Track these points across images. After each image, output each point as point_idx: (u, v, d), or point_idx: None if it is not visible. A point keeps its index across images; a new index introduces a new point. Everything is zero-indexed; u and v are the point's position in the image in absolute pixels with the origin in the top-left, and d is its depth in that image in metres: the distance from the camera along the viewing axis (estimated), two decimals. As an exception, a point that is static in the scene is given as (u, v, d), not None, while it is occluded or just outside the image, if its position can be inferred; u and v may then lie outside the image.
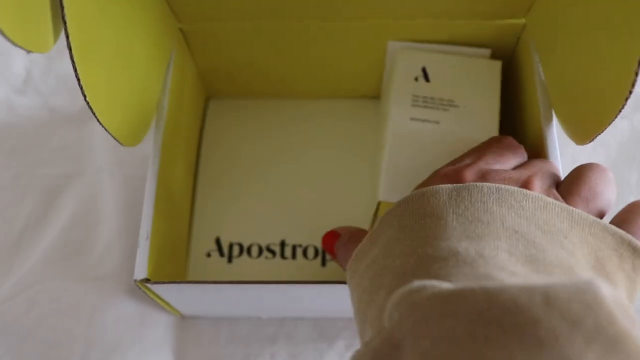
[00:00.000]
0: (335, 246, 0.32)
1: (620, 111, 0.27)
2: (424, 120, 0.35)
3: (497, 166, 0.29)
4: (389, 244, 0.25)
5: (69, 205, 0.43)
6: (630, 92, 0.26)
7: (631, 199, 0.29)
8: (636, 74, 0.25)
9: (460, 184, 0.26)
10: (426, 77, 0.36)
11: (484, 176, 0.28)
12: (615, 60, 0.27)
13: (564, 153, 0.41)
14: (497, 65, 0.37)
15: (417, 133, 0.35)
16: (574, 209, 0.25)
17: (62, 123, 0.46)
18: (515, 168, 0.29)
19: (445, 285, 0.20)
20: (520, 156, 0.31)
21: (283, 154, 0.42)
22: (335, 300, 0.35)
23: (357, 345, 0.38)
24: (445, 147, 0.34)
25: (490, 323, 0.18)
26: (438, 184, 0.26)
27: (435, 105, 0.35)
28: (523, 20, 0.37)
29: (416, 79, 0.36)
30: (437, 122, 0.35)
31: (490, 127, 0.35)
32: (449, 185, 0.26)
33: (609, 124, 0.28)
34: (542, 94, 0.34)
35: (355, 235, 0.31)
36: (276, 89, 0.44)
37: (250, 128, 0.44)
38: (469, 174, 0.28)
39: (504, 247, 0.22)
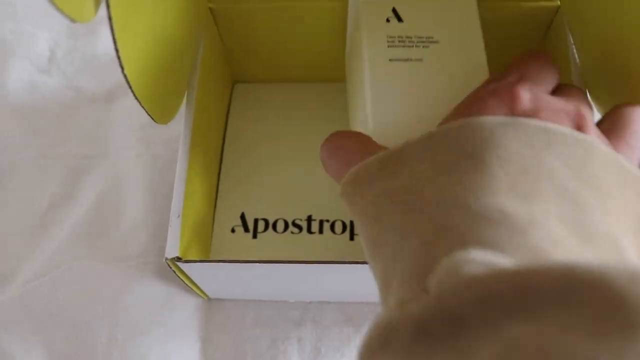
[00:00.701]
0: (322, 146, 0.28)
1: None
2: (405, 60, 0.31)
3: (541, 90, 0.25)
4: (417, 180, 0.22)
5: (93, 186, 0.42)
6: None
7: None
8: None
9: (505, 118, 0.22)
10: (398, 17, 0.32)
11: (536, 105, 0.23)
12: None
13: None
14: None
15: (399, 74, 0.31)
16: (625, 162, 0.22)
17: (87, 103, 0.46)
18: (554, 95, 0.25)
19: (506, 261, 0.18)
20: (557, 78, 0.27)
21: (309, 134, 0.42)
22: (363, 283, 0.34)
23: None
24: (434, 87, 0.30)
25: (574, 306, 0.15)
26: (486, 105, 0.22)
27: (413, 43, 0.32)
28: (557, 3, 0.36)
29: (388, 20, 0.32)
30: (420, 60, 0.31)
31: (477, 59, 0.31)
32: (492, 118, 0.22)
33: None
34: (577, 76, 0.33)
35: (352, 139, 0.27)
36: (303, 72, 0.43)
37: (276, 110, 0.43)
38: (525, 95, 0.23)
39: (553, 211, 0.20)
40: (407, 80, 0.30)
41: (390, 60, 0.31)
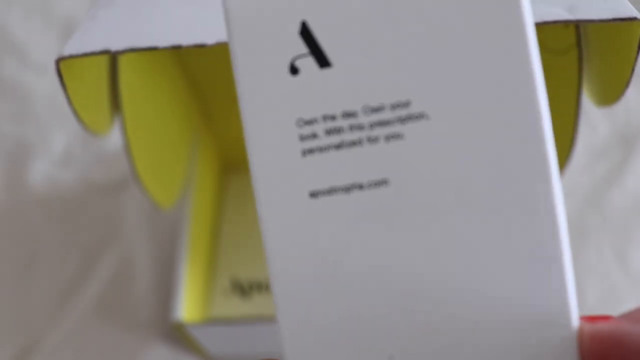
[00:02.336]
0: None
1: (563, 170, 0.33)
2: (346, 189, 0.16)
3: None
4: None
5: (107, 264, 0.49)
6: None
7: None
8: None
9: None
10: (319, 55, 0.16)
11: None
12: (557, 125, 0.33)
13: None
14: None
15: (332, 228, 0.16)
16: None
17: (100, 193, 0.53)
18: None
19: None
20: None
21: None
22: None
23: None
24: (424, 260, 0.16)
25: None
26: None
27: (361, 130, 0.16)
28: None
29: (293, 69, 0.16)
30: (384, 183, 0.16)
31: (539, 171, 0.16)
32: None
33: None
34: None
35: None
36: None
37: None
38: None
39: None
40: (354, 248, 0.16)
41: (312, 195, 0.16)
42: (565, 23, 0.24)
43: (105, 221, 0.51)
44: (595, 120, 0.52)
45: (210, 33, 0.24)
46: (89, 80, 0.29)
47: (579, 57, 0.30)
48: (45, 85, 0.58)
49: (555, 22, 0.24)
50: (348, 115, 0.15)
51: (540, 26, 0.34)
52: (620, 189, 0.48)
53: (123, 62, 0.31)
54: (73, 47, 0.25)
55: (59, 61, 0.25)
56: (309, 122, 0.16)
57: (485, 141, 0.15)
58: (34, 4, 0.63)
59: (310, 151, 0.16)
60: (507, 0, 0.15)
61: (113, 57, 0.31)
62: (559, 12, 0.25)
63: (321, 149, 0.16)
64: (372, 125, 0.15)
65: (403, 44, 0.15)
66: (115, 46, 0.25)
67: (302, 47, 0.15)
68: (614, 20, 0.24)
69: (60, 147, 0.55)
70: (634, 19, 0.24)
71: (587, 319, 0.16)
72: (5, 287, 0.49)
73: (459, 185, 0.15)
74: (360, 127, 0.15)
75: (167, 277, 0.48)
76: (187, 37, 0.24)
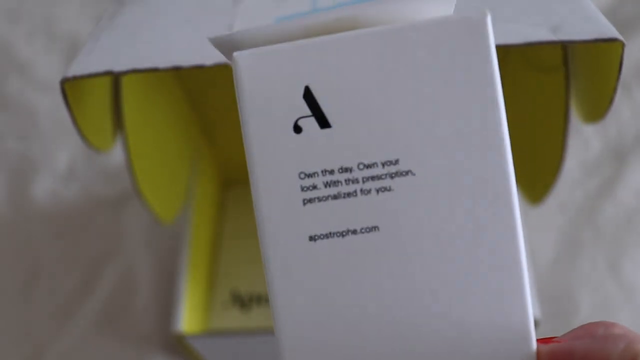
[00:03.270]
0: None
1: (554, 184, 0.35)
2: (341, 234, 0.18)
3: None
4: None
5: (110, 277, 0.50)
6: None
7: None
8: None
9: None
10: (320, 117, 0.18)
11: None
12: (549, 135, 0.35)
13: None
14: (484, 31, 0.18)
15: (332, 269, 0.18)
16: None
17: (101, 208, 0.54)
18: None
19: None
20: None
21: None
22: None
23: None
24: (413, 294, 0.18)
25: None
26: None
27: (357, 183, 0.18)
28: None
29: (296, 128, 0.18)
30: (375, 229, 0.18)
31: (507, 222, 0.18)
32: None
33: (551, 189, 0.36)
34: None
35: None
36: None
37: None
38: None
39: None
40: (348, 284, 0.18)
41: (311, 239, 0.18)
42: (549, 44, 0.25)
43: (108, 235, 0.52)
44: (587, 135, 0.53)
45: (209, 54, 0.25)
46: (92, 99, 0.30)
47: (565, 75, 0.31)
48: (49, 102, 0.59)
49: (539, 43, 0.25)
50: (344, 170, 0.18)
51: (531, 45, 0.36)
52: (613, 202, 0.49)
53: (126, 81, 0.32)
54: (77, 68, 0.26)
55: (63, 82, 0.26)
56: (310, 175, 0.18)
57: (461, 196, 0.18)
58: (38, 22, 0.65)
59: (311, 200, 0.18)
60: (483, 79, 0.18)
61: (116, 77, 0.32)
62: (542, 34, 0.26)
63: (320, 199, 0.18)
64: (365, 180, 0.18)
65: (393, 109, 0.18)
66: (117, 67, 0.26)
67: (305, 109, 0.18)
68: (596, 40, 0.25)
69: (63, 163, 0.56)
70: (615, 39, 0.25)
71: (541, 341, 0.19)
72: (8, 300, 0.50)
73: (437, 232, 0.18)
74: (355, 181, 0.18)
75: (168, 290, 0.48)
76: (186, 58, 0.25)
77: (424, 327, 0.18)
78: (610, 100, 0.27)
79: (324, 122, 0.18)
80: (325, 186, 0.18)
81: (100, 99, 0.31)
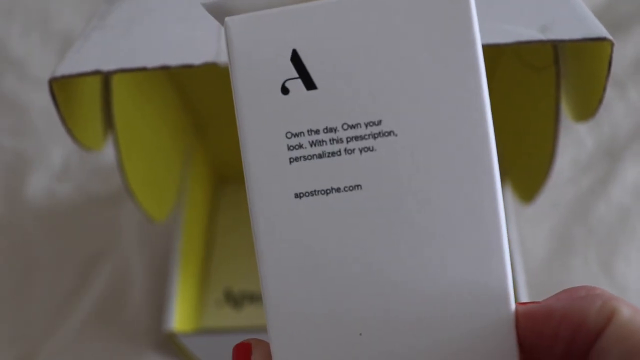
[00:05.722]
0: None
1: (545, 182, 0.35)
2: (325, 192, 0.19)
3: None
4: None
5: (104, 274, 0.50)
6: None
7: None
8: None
9: None
10: (306, 78, 0.18)
11: None
12: (542, 134, 0.35)
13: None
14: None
15: (316, 228, 0.19)
16: None
17: (96, 205, 0.54)
18: None
19: None
20: None
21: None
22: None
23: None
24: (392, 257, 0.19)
25: None
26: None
27: (340, 143, 0.18)
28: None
29: (284, 89, 0.18)
30: (358, 187, 0.18)
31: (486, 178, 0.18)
32: None
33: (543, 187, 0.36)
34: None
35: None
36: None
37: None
38: None
39: None
40: (332, 241, 0.19)
41: (296, 196, 0.19)
42: (539, 43, 0.25)
43: (102, 233, 0.52)
44: (581, 133, 0.53)
45: (198, 54, 0.25)
46: (81, 98, 0.30)
47: (556, 74, 0.31)
48: (43, 99, 0.59)
49: (529, 43, 0.25)
50: (329, 130, 0.18)
51: (521, 45, 0.36)
52: (606, 201, 0.49)
53: (116, 80, 0.32)
54: (66, 67, 0.26)
55: (52, 81, 0.26)
56: (297, 135, 0.18)
57: (441, 155, 0.18)
58: (33, 20, 0.64)
59: (297, 159, 0.18)
60: (464, 42, 0.18)
61: (106, 76, 0.32)
62: (531, 33, 0.26)
63: (306, 158, 0.18)
64: (349, 139, 0.18)
65: (377, 72, 0.18)
66: (106, 67, 0.26)
67: (292, 72, 0.18)
68: (585, 40, 0.25)
69: (58, 160, 0.56)
70: (603, 39, 0.25)
71: (520, 304, 0.19)
72: (3, 298, 0.50)
73: (417, 191, 0.18)
74: (339, 141, 0.18)
75: (162, 288, 0.48)
76: (175, 58, 0.25)
77: (404, 284, 0.19)
78: (600, 100, 0.27)
79: (310, 84, 0.18)
80: (311, 145, 0.18)
81: (90, 98, 0.31)
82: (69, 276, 0.50)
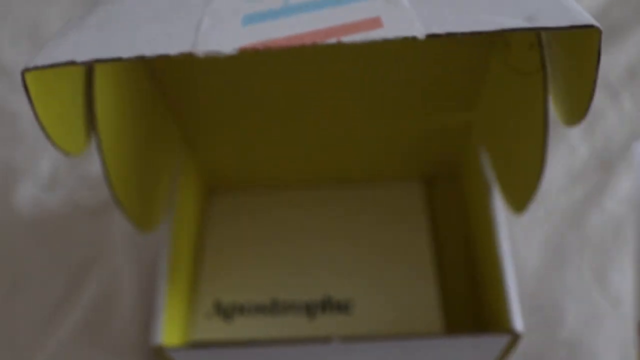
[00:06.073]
0: None
1: (539, 185, 0.35)
2: None
3: None
4: None
5: (93, 285, 0.49)
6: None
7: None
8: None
9: None
10: None
11: None
12: (532, 142, 0.34)
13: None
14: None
15: None
16: None
17: (85, 216, 0.53)
18: None
19: None
20: None
21: (276, 236, 0.49)
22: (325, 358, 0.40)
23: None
24: None
25: None
26: None
27: None
28: (470, 114, 0.44)
29: None
30: None
31: None
32: None
33: (535, 194, 0.35)
34: (486, 178, 0.41)
35: None
36: (273, 180, 0.51)
37: (248, 215, 0.50)
38: None
39: None
40: None
41: None
42: (524, 31, 0.25)
43: (90, 243, 0.51)
44: (574, 142, 0.52)
45: (175, 45, 0.25)
46: (60, 96, 0.29)
47: (543, 78, 0.31)
48: (32, 108, 0.58)
49: (513, 30, 0.25)
50: None
51: (508, 48, 0.35)
52: (600, 210, 0.49)
53: (99, 81, 0.32)
54: (40, 59, 0.25)
55: (24, 72, 0.25)
56: None
57: None
58: (22, 27, 0.64)
59: None
60: None
61: (88, 75, 0.31)
62: (516, 22, 0.25)
63: None
64: None
65: None
66: (80, 58, 0.25)
67: None
68: (571, 27, 0.24)
69: (46, 169, 0.55)
70: (590, 26, 0.24)
71: None
72: (-10, 310, 0.49)
73: None
74: None
75: (151, 299, 0.48)
76: (151, 48, 0.24)
77: None
78: (591, 95, 0.27)
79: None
80: None
81: (70, 97, 0.30)
82: (57, 287, 0.50)
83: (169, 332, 0.39)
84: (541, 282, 0.46)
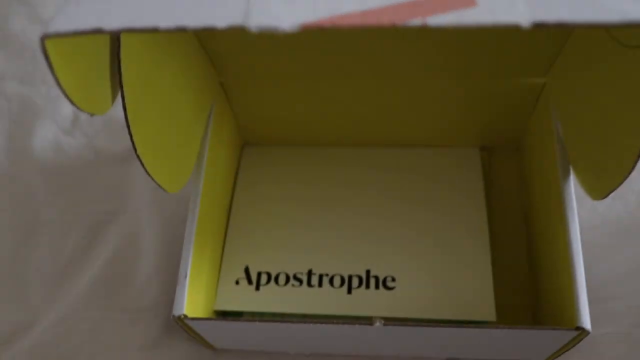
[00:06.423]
0: None
1: (633, 168, 0.29)
2: None
3: None
4: None
5: (111, 240, 0.45)
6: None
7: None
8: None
9: None
10: None
11: None
12: (627, 120, 0.29)
13: (583, 204, 0.43)
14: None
15: None
16: None
17: (106, 163, 0.49)
18: None
19: None
20: None
21: (311, 194, 0.44)
22: (362, 339, 0.37)
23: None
24: None
25: None
26: None
27: None
28: (543, 80, 0.39)
29: None
30: None
31: None
32: None
33: (624, 180, 0.30)
34: (561, 151, 0.36)
35: None
36: (313, 139, 0.46)
37: (284, 173, 0.46)
38: None
39: None
40: None
41: None
42: None
43: (112, 194, 0.48)
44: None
45: (223, 15, 0.20)
46: (82, 55, 0.25)
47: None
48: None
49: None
50: None
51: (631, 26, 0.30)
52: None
53: (126, 38, 0.27)
54: (61, 23, 0.21)
55: (43, 39, 0.21)
56: None
57: None
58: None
59: None
60: None
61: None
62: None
63: None
64: None
65: None
66: (109, 25, 0.21)
67: None
68: None
69: (68, 112, 0.51)
70: None
71: None
72: (2, 260, 0.46)
73: None
74: None
75: (173, 259, 0.44)
76: (193, 19, 0.20)
77: None
78: None
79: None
80: None
81: (93, 53, 0.26)
82: (74, 239, 0.46)
83: (193, 300, 0.35)
84: (608, 262, 0.42)
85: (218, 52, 0.38)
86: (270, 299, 0.41)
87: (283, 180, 0.45)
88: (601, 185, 0.32)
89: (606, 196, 0.32)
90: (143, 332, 0.42)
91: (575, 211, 0.35)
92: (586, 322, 0.32)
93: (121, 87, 0.27)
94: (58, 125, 0.51)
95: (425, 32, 0.35)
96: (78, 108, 0.25)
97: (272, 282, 0.41)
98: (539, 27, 0.19)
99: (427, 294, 0.39)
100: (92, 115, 0.26)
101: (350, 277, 0.41)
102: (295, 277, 0.41)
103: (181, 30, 0.20)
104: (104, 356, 0.41)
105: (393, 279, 0.40)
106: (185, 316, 0.34)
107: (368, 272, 0.41)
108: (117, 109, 0.50)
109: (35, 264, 0.45)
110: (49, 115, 0.51)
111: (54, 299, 0.44)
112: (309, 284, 0.41)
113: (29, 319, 0.43)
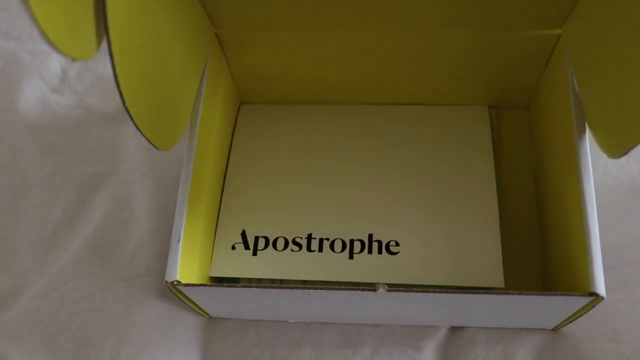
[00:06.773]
0: None
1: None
2: None
3: None
4: None
5: (102, 204, 0.43)
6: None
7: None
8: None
9: None
10: None
11: None
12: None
13: (595, 165, 0.41)
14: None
15: None
16: None
17: (97, 122, 0.47)
18: None
19: None
20: None
21: (311, 154, 0.42)
22: (362, 306, 0.35)
23: (383, 352, 0.38)
24: None
25: None
26: None
27: None
28: (559, 31, 0.36)
29: None
30: None
31: None
32: None
33: None
34: (576, 106, 0.34)
35: None
36: (313, 97, 0.44)
37: (283, 132, 0.44)
38: None
39: None
40: None
41: None
42: None
43: (102, 154, 0.46)
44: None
45: None
46: None
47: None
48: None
49: None
50: None
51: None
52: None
53: None
54: None
55: None
56: None
57: None
58: None
59: None
60: None
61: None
62: None
63: None
64: None
65: None
66: None
67: None
68: None
69: (57, 68, 0.49)
70: None
71: None
72: (-12, 223, 0.44)
73: None
74: None
75: (167, 223, 0.42)
76: None
77: None
78: None
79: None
80: None
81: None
82: (63, 203, 0.44)
83: (186, 266, 0.34)
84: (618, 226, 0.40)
85: (213, 1, 0.35)
86: (268, 264, 0.39)
87: (282, 140, 0.43)
88: (619, 142, 0.30)
89: (625, 154, 0.30)
90: (136, 299, 0.40)
91: (590, 169, 0.33)
92: (600, 287, 0.30)
93: (107, 30, 0.24)
94: (46, 83, 0.48)
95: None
96: (57, 50, 0.22)
97: (270, 247, 0.39)
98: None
99: (432, 260, 0.38)
100: (74, 60, 0.24)
101: (352, 242, 0.39)
102: (294, 242, 0.39)
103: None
104: (97, 325, 0.40)
105: (397, 244, 0.38)
106: (179, 282, 0.32)
107: (370, 236, 0.39)
108: (108, 66, 0.48)
109: (22, 229, 0.44)
110: (36, 72, 0.48)
111: (43, 266, 0.42)
112: (309, 249, 0.39)
113: (17, 288, 0.42)
